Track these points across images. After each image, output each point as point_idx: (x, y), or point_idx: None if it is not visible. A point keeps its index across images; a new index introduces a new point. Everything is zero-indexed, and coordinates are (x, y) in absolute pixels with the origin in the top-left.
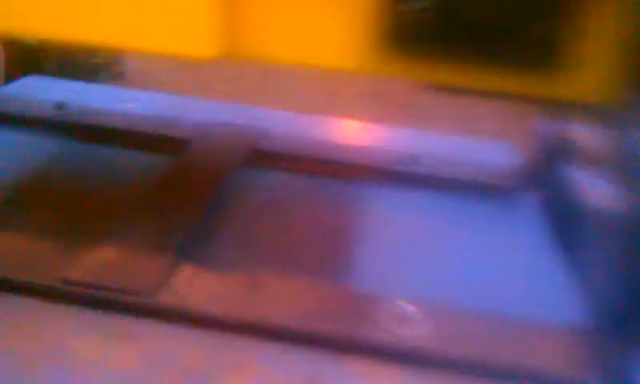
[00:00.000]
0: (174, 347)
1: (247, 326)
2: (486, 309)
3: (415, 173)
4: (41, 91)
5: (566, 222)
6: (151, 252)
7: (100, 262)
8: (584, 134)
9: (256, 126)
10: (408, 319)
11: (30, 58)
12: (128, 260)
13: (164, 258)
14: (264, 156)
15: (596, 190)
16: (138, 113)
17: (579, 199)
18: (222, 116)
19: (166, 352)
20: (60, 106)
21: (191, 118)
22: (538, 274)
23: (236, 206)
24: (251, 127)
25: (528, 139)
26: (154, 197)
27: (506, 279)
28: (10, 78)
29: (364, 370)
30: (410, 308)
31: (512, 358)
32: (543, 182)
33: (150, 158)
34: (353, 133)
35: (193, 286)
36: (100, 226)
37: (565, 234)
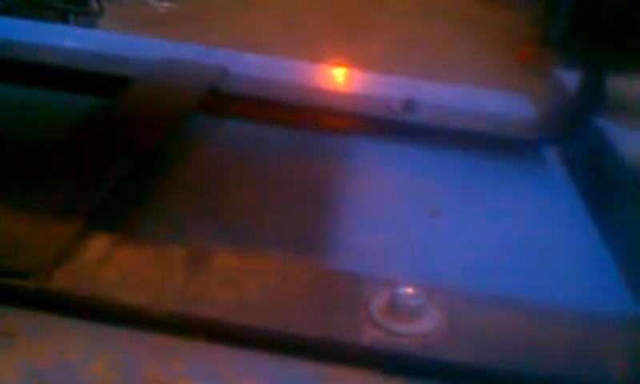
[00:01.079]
0: (72, 353)
1: (180, 324)
2: (512, 294)
3: (410, 122)
4: None
5: (596, 181)
6: (51, 218)
7: None
8: (614, 80)
9: (215, 65)
10: (411, 311)
11: None
12: (13, 228)
13: (65, 225)
14: (223, 99)
15: (630, 143)
16: (73, 49)
17: (610, 154)
18: (175, 55)
19: (60, 360)
20: None
21: (138, 55)
22: (571, 247)
23: (183, 161)
24: (209, 65)
25: (543, 88)
26: (73, 147)
27: (533, 255)
28: None
29: None
30: (413, 295)
31: (552, 363)
32: (564, 134)
33: (80, 100)
34: (333, 78)
35: (105, 266)
36: None
37: (594, 195)
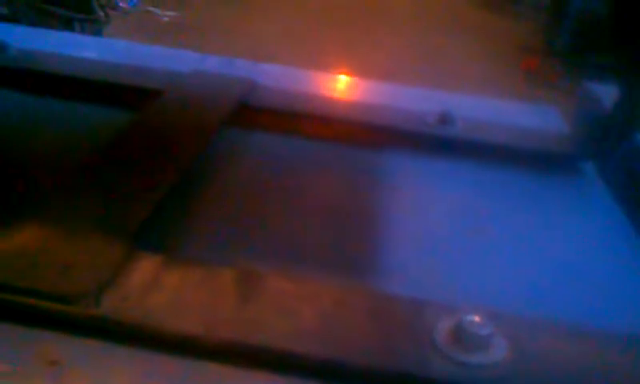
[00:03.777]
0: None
1: (234, 352)
2: (570, 318)
3: (447, 136)
4: None
5: (637, 197)
6: (94, 238)
7: (12, 251)
8: None
9: (244, 77)
10: (480, 340)
11: None
12: (56, 249)
13: (112, 247)
14: (256, 113)
15: None
16: (97, 60)
17: None
18: (199, 66)
19: None
20: None
21: (164, 67)
22: (621, 266)
23: (218, 176)
24: (238, 78)
25: (576, 103)
26: (108, 163)
27: (584, 275)
28: None
29: None
30: (481, 323)
31: None
32: (603, 150)
33: (108, 112)
34: (362, 90)
35: (154, 290)
36: (24, 200)
37: (635, 211)
